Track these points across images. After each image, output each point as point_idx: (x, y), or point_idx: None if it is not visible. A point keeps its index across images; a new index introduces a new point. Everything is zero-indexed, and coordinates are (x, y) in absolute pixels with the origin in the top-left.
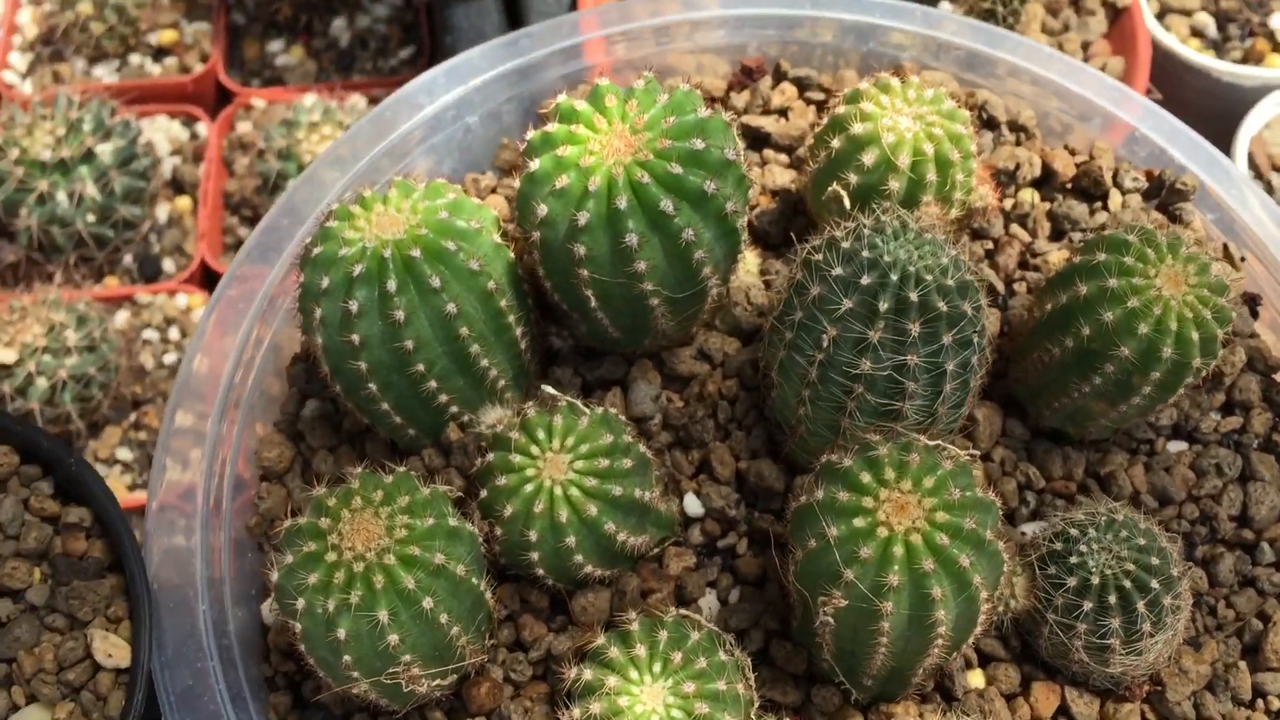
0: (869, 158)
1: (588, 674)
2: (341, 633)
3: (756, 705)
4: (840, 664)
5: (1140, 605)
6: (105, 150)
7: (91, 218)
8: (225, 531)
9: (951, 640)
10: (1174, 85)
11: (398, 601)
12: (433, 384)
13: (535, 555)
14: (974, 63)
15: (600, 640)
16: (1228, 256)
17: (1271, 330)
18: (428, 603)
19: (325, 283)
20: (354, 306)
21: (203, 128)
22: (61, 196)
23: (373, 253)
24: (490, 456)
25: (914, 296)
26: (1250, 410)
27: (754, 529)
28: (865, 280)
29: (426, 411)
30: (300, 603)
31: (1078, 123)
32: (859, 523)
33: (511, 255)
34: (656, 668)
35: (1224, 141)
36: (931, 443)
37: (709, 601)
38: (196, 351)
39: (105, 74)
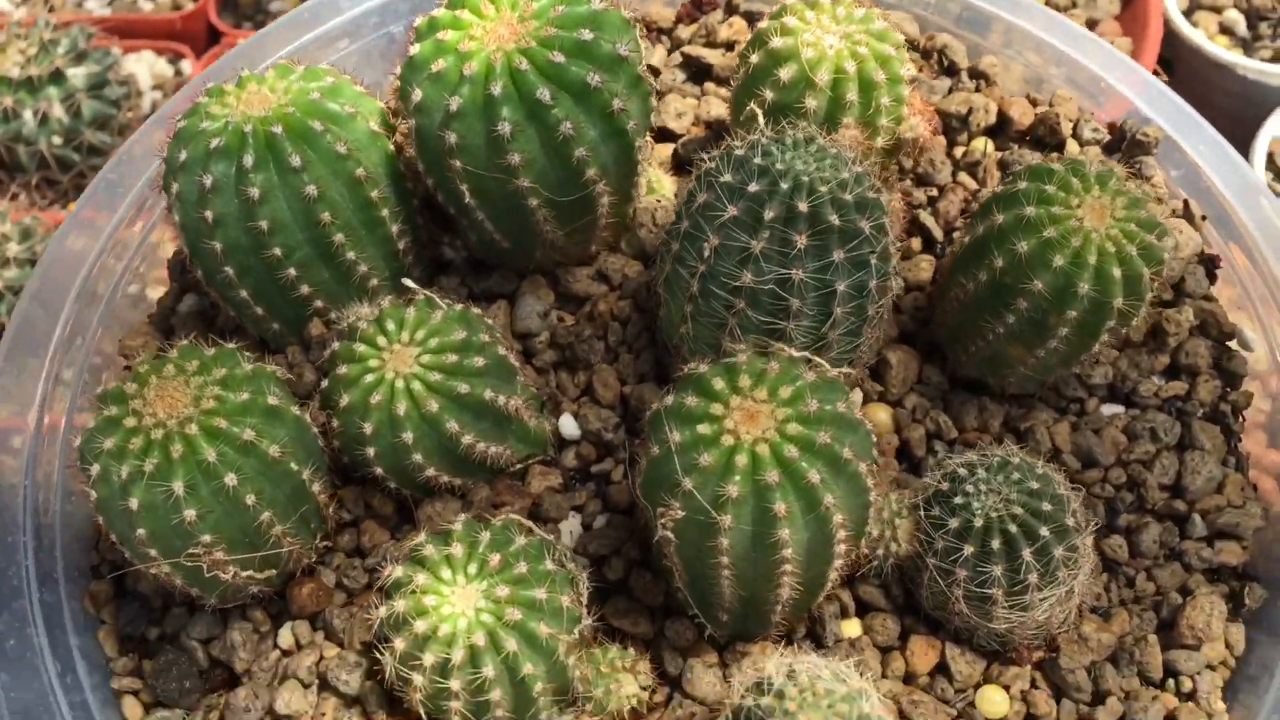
0: (786, 73)
1: (399, 571)
2: (134, 502)
3: (586, 622)
4: (693, 593)
5: (1026, 553)
6: (77, 74)
7: (57, 139)
8: (68, 415)
9: (804, 570)
10: (1199, 83)
11: (196, 474)
12: (291, 272)
13: (371, 451)
14: (972, 21)
15: (420, 538)
16: (1188, 215)
17: (1234, 305)
18: (230, 479)
19: (183, 156)
20: (208, 181)
21: (187, 65)
22: (27, 115)
23: (234, 128)
24: (335, 345)
25: (803, 207)
26: (1197, 376)
27: (633, 455)
28: (752, 187)
29: (288, 303)
30: (95, 468)
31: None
32: (703, 429)
33: (391, 148)
34: (472, 569)
35: (1246, 142)
36: (798, 354)
37: (571, 525)
38: (69, 230)
39: (97, 7)
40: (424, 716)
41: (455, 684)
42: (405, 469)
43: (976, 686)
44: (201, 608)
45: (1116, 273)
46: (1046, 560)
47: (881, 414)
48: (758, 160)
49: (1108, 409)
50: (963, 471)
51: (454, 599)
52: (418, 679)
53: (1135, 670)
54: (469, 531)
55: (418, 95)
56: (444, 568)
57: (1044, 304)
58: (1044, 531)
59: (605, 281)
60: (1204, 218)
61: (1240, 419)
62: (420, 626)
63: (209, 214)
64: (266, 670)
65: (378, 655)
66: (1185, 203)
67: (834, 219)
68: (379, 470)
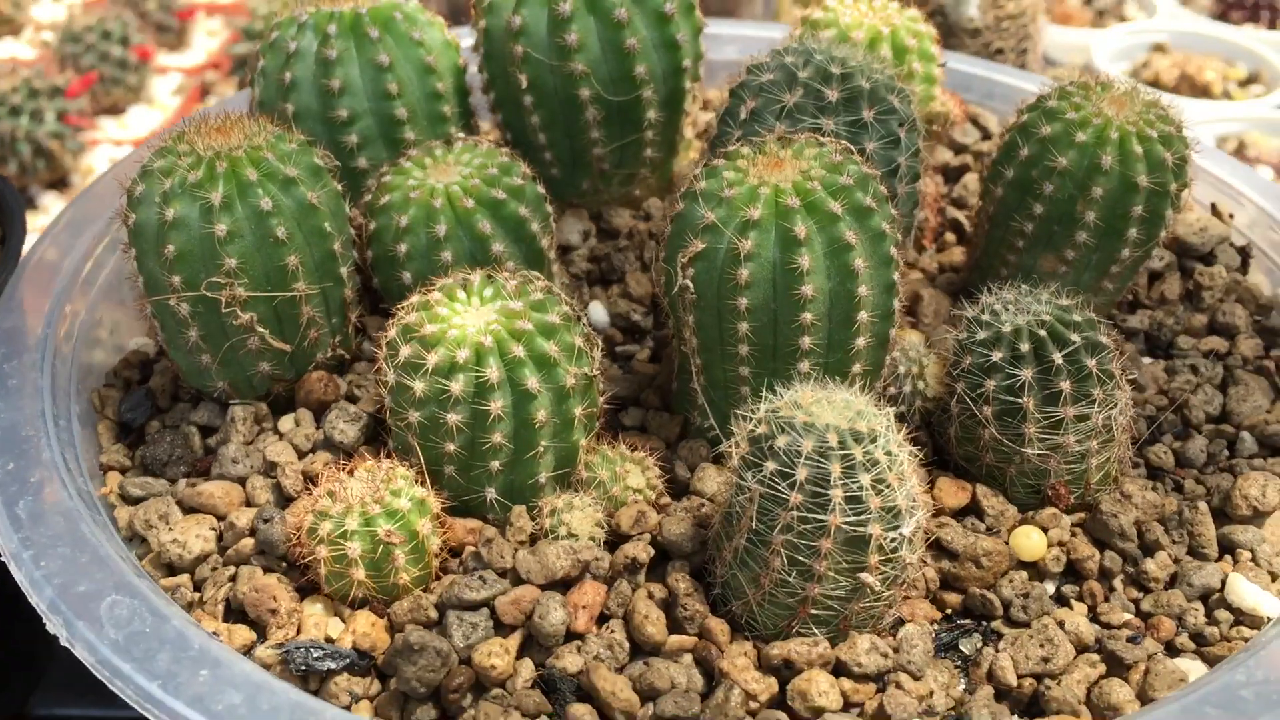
0: (826, 33)
1: (416, 300)
2: (170, 212)
3: (594, 372)
4: (707, 374)
5: (1057, 357)
6: None
7: None
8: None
9: (825, 324)
10: None
11: (234, 191)
12: (353, 139)
13: (404, 247)
14: None
15: (444, 283)
16: (1216, 213)
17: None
18: (266, 203)
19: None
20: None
21: None
22: None
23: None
24: (384, 170)
25: (835, 69)
26: (1236, 335)
27: (661, 343)
28: (788, 59)
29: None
30: (141, 188)
31: None
32: (729, 174)
33: (460, 61)
34: (488, 293)
35: None
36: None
37: None
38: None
39: None
40: (418, 449)
41: (456, 386)
42: (434, 270)
43: (1010, 529)
44: (210, 398)
45: (1139, 149)
46: (1079, 369)
47: (914, 335)
48: (792, 58)
49: (1146, 362)
50: (996, 304)
51: (467, 315)
52: (418, 386)
53: (1186, 539)
54: (489, 280)
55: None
56: (460, 291)
57: (1070, 187)
58: (1075, 337)
59: (646, 220)
60: (1231, 216)
61: None
62: (429, 329)
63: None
64: (260, 450)
65: (380, 381)
66: (1213, 205)
67: (864, 83)
68: (407, 276)
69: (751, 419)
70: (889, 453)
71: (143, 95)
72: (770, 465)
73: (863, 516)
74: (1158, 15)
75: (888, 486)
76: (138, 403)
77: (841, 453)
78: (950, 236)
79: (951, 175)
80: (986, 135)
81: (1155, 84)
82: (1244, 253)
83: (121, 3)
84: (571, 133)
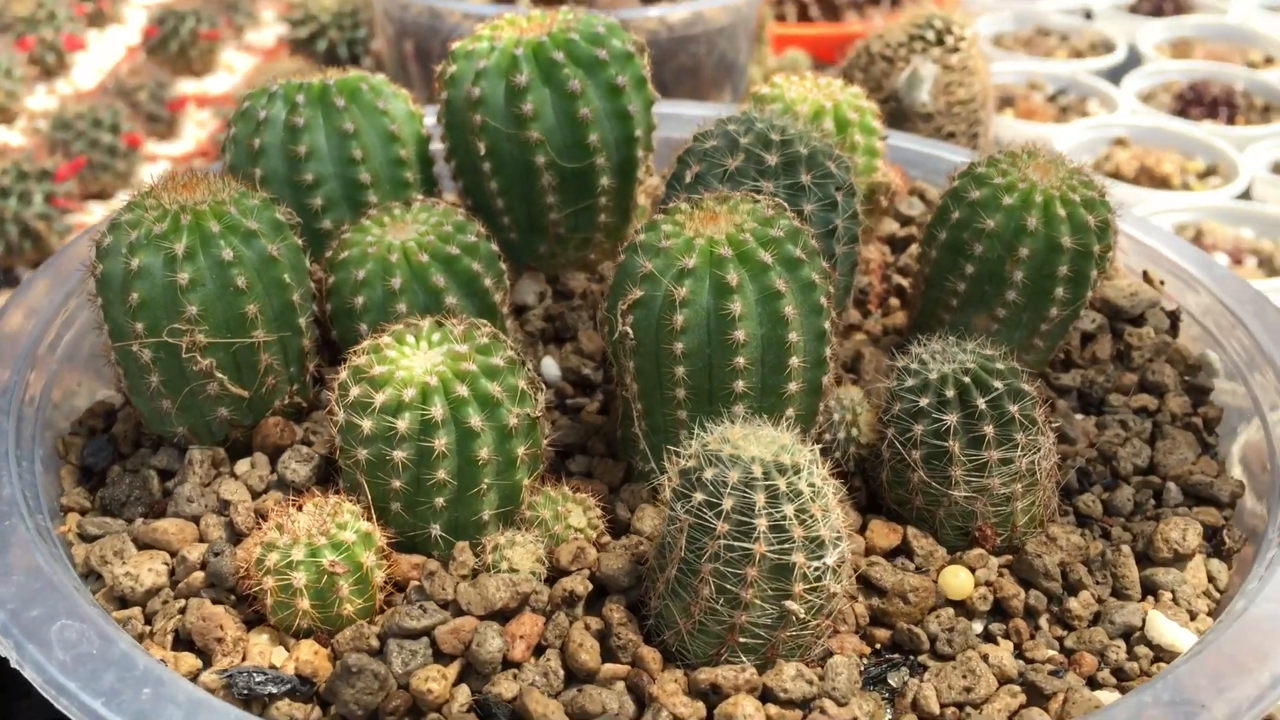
0: (772, 106)
1: (367, 344)
2: (136, 262)
3: (537, 414)
4: (648, 419)
5: (980, 402)
6: None
7: None
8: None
9: (758, 367)
10: None
11: (198, 241)
12: (318, 201)
13: (360, 300)
14: None
15: (395, 329)
16: (1147, 279)
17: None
18: (227, 253)
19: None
20: (298, 121)
21: None
22: None
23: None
24: (346, 230)
25: (774, 136)
26: (1165, 394)
27: (611, 396)
28: (731, 126)
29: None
30: (108, 239)
31: None
32: (667, 227)
33: (424, 131)
34: (436, 338)
35: None
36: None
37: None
38: None
39: None
40: (366, 487)
41: (402, 423)
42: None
43: (939, 569)
44: (170, 443)
45: (1062, 211)
46: (1001, 414)
47: (854, 389)
48: (735, 126)
49: (1079, 418)
50: (925, 354)
51: (415, 358)
52: (366, 424)
53: (1110, 580)
54: (437, 326)
55: (451, 69)
56: (409, 336)
57: (998, 247)
58: (997, 384)
59: (600, 282)
60: (1162, 282)
61: (1214, 433)
62: (378, 370)
63: (286, 138)
64: (215, 490)
65: (332, 421)
66: (1144, 272)
67: (802, 149)
68: (364, 327)
69: (684, 454)
70: (812, 485)
71: (131, 181)
72: (699, 496)
73: (786, 545)
74: (1119, 111)
75: (811, 517)
76: (99, 448)
77: (766, 483)
78: (895, 302)
79: (898, 245)
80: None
81: (1116, 175)
82: (1173, 316)
83: (114, 93)
84: (528, 198)
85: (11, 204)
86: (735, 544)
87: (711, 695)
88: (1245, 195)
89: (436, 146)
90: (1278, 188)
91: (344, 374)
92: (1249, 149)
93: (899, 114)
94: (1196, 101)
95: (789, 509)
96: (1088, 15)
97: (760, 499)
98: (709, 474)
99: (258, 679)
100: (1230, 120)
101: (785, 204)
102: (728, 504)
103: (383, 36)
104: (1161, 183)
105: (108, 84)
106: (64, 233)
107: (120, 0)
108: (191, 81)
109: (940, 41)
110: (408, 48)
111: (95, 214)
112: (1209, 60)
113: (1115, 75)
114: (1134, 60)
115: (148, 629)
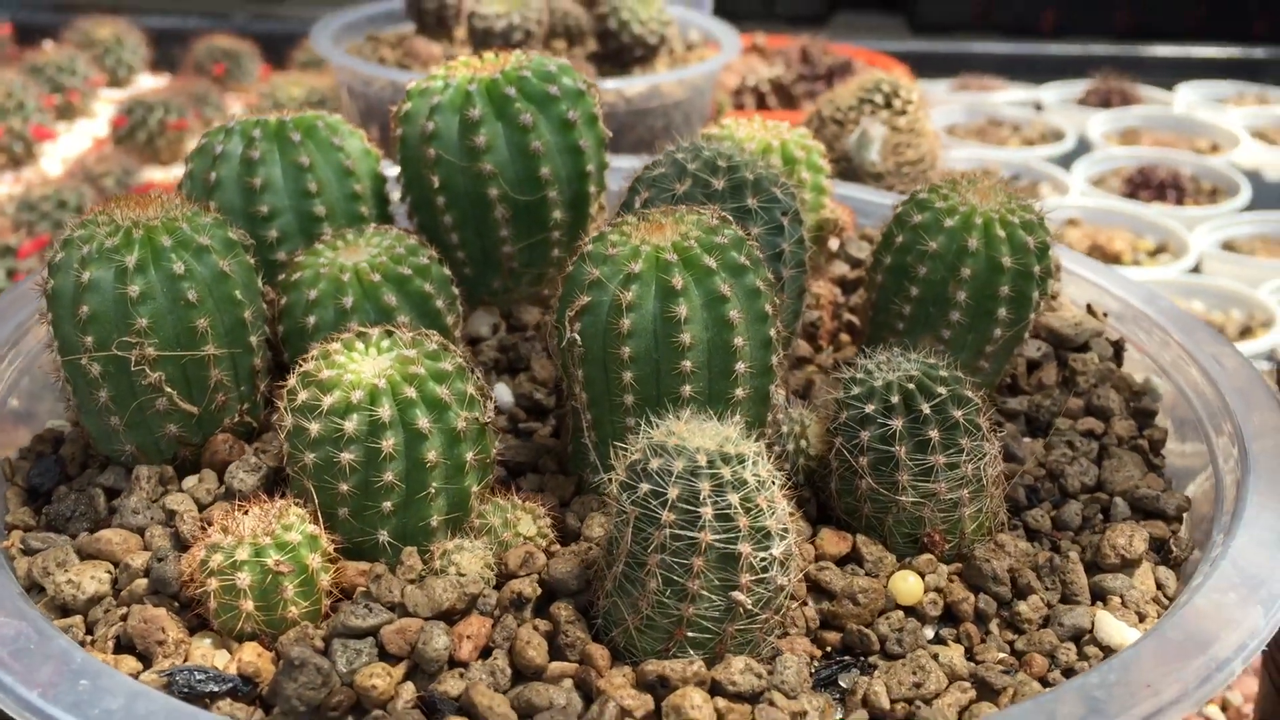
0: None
1: (317, 350)
2: (87, 275)
3: (485, 419)
4: (597, 429)
5: (925, 407)
6: None
7: None
8: None
9: (705, 371)
10: None
11: (149, 255)
12: (274, 233)
13: (312, 320)
14: None
15: (345, 336)
16: (1090, 312)
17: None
18: (179, 266)
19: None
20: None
21: None
22: None
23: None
24: (300, 254)
25: (721, 163)
26: (1111, 417)
27: (559, 419)
28: (679, 154)
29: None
30: (60, 255)
31: None
32: (614, 237)
33: (379, 168)
34: (385, 344)
35: None
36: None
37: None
38: None
39: None
40: (313, 492)
41: (350, 425)
42: None
43: (889, 575)
44: (117, 462)
45: (1001, 233)
46: (945, 419)
47: (802, 408)
48: (682, 154)
49: (1026, 440)
50: (870, 365)
51: (364, 363)
52: (314, 427)
53: (1059, 585)
54: (388, 333)
55: (406, 107)
56: (358, 343)
57: (941, 268)
58: (941, 389)
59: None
60: (1105, 315)
61: (1159, 454)
62: (327, 374)
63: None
64: (161, 504)
65: (280, 427)
66: (1088, 305)
67: (748, 175)
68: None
69: (631, 448)
70: (758, 476)
71: None
72: (644, 486)
73: (732, 534)
74: (1071, 194)
75: (756, 507)
76: (46, 469)
77: (710, 472)
78: (845, 337)
79: (849, 287)
80: None
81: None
82: (1117, 346)
83: (80, 178)
84: (482, 231)
85: None
86: (681, 533)
87: (659, 688)
88: (1195, 270)
89: (394, 189)
90: (1227, 263)
91: (293, 380)
92: (1197, 229)
93: (850, 173)
94: (1145, 184)
95: (734, 498)
96: (1038, 107)
97: (705, 487)
98: (654, 464)
99: (198, 677)
100: (1179, 201)
101: (728, 216)
102: (673, 493)
103: (347, 115)
104: (1114, 259)
105: (74, 171)
106: None
107: (90, 96)
108: (158, 170)
109: (888, 105)
110: (373, 128)
111: None
112: (1156, 147)
113: (1066, 162)
114: (1083, 148)
115: (89, 638)
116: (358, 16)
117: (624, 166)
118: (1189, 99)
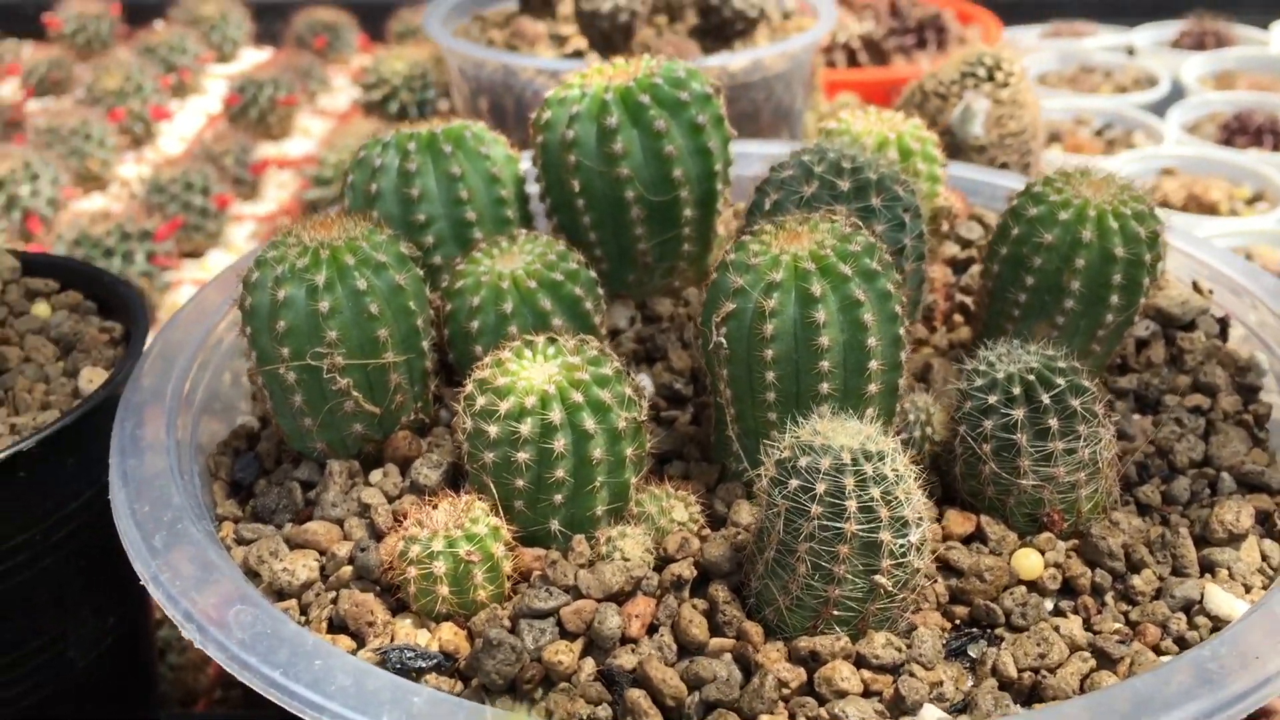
0: (840, 139)
1: (490, 359)
2: (282, 293)
3: (641, 418)
4: (740, 422)
5: (1044, 397)
6: None
7: None
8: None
9: (841, 370)
10: None
11: (335, 274)
12: (430, 239)
13: (476, 324)
14: None
15: (514, 345)
16: (1197, 290)
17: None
18: (361, 283)
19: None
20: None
21: None
22: None
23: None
24: (460, 262)
25: (845, 164)
26: (1217, 394)
27: (700, 408)
28: (805, 157)
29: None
30: (255, 275)
31: None
32: (754, 246)
33: (520, 172)
34: (551, 351)
35: None
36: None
37: None
38: None
39: None
40: (492, 487)
41: (525, 428)
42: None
43: (1012, 553)
44: (309, 458)
45: (1114, 224)
46: (1064, 408)
47: (926, 395)
48: (809, 156)
49: (1136, 418)
50: (991, 357)
51: (533, 370)
52: (492, 429)
53: (1170, 559)
54: (551, 342)
55: (546, 115)
56: (527, 351)
57: (1056, 260)
58: (1060, 381)
59: (686, 306)
60: (1210, 291)
61: (1264, 429)
62: (502, 381)
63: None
64: (355, 496)
65: (460, 429)
66: (1194, 282)
67: (871, 175)
68: (479, 349)
69: (779, 447)
70: (895, 470)
71: (220, 240)
72: (794, 482)
73: (874, 524)
74: (1165, 142)
75: (895, 499)
76: (247, 464)
77: (854, 469)
78: (958, 318)
79: (959, 267)
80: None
81: (1164, 204)
82: (1223, 322)
83: (201, 158)
84: (618, 230)
85: (116, 263)
86: (828, 524)
87: (811, 661)
88: None
89: (534, 185)
90: None
91: (470, 386)
92: None
93: (954, 147)
94: (1241, 130)
95: (876, 491)
96: (1130, 52)
97: (850, 483)
98: (803, 462)
99: (409, 655)
100: (1276, 148)
101: (859, 222)
102: (821, 488)
103: (458, 94)
104: (1209, 210)
105: (194, 150)
106: (164, 289)
107: (200, 73)
108: (271, 145)
109: (991, 77)
110: (482, 104)
111: (190, 271)
112: (1252, 91)
113: (1160, 108)
114: (1177, 94)
115: (304, 619)
116: None
117: (738, 151)
118: None
